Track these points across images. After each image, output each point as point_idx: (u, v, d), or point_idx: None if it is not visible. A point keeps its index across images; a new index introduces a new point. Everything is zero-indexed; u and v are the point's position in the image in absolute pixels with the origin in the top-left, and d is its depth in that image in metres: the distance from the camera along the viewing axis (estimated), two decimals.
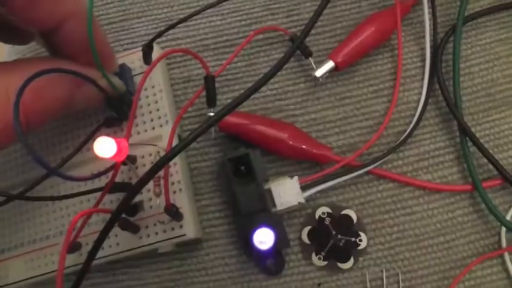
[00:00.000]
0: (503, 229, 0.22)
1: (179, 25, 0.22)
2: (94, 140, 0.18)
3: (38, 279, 0.23)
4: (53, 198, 0.19)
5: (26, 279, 0.23)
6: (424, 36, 0.24)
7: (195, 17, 0.23)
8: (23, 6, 0.18)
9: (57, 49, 0.20)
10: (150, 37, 0.22)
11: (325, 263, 0.23)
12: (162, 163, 0.16)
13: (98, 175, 0.20)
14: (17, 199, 0.18)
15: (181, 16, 0.24)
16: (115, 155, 0.18)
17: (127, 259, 0.23)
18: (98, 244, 0.17)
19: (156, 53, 0.23)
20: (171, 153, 0.16)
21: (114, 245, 0.22)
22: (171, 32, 0.24)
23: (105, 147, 0.18)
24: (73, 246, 0.21)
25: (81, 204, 0.22)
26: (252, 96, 0.18)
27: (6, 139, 0.18)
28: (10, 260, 0.23)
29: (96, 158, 0.18)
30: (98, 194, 0.20)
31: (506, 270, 0.22)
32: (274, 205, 0.21)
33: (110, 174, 0.20)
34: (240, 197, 0.21)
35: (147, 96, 0.23)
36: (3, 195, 0.18)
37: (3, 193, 0.18)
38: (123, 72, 0.22)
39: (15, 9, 0.18)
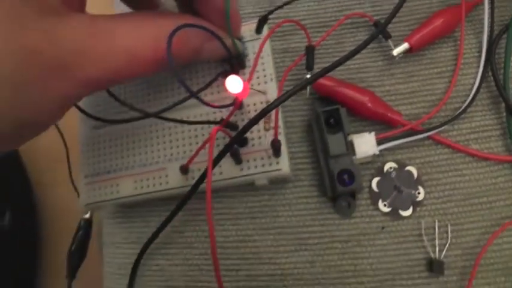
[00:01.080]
0: None
1: (284, 6, 0.28)
2: (212, 85, 0.22)
3: (143, 197, 0.27)
4: (182, 121, 0.24)
5: (134, 195, 0.27)
6: (482, 32, 0.29)
7: (296, 1, 0.28)
8: None
9: (194, 9, 0.25)
10: (256, 15, 0.27)
11: (389, 209, 0.27)
12: (275, 105, 0.21)
13: (224, 106, 0.25)
14: (152, 117, 0.23)
15: (283, 0, 0.29)
16: (241, 93, 0.23)
17: (224, 189, 0.28)
18: (216, 161, 0.22)
19: (264, 26, 0.28)
20: (282, 98, 0.21)
21: (217, 173, 0.26)
22: (275, 12, 0.29)
23: (235, 83, 0.23)
24: (184, 169, 0.26)
25: (190, 139, 0.27)
26: (340, 68, 0.23)
27: (156, 69, 0.23)
28: (122, 178, 0.28)
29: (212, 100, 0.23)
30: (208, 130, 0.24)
31: None
32: (354, 153, 0.26)
33: (230, 109, 0.25)
34: (330, 142, 0.26)
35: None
36: (140, 112, 0.22)
37: (140, 110, 0.22)
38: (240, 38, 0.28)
39: None
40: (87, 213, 0.32)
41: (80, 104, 0.30)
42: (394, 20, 0.29)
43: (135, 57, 0.21)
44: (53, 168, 0.78)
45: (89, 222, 0.33)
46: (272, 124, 0.24)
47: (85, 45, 0.19)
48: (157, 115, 0.23)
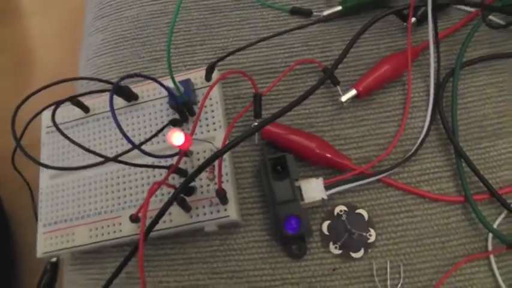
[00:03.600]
0: (490, 235, 0.27)
1: (233, 54, 0.29)
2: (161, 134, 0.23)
3: (98, 245, 0.28)
4: (134, 165, 0.25)
5: (89, 243, 0.28)
6: (429, 76, 0.30)
7: (248, 48, 0.29)
8: None
9: None
10: (209, 61, 0.28)
11: (340, 251, 0.27)
12: (220, 154, 0.22)
13: (168, 156, 0.26)
14: (112, 161, 0.24)
15: (235, 46, 0.31)
16: (183, 144, 0.24)
17: (175, 236, 0.28)
18: (160, 214, 0.23)
19: (214, 74, 0.29)
20: (225, 148, 0.22)
21: (168, 220, 0.27)
22: (227, 58, 0.30)
23: (177, 136, 0.24)
24: (134, 218, 0.27)
25: (142, 187, 0.28)
26: (289, 113, 0.24)
27: None
28: (78, 227, 0.28)
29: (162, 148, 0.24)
30: (159, 177, 0.25)
31: (491, 270, 0.27)
32: (302, 199, 0.27)
33: (174, 159, 0.25)
34: (276, 189, 0.26)
35: (205, 106, 0.29)
36: (101, 157, 0.23)
37: (101, 155, 0.23)
38: (188, 85, 0.29)
39: None
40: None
41: (42, 152, 0.31)
42: (342, 65, 0.30)
43: None
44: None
45: (55, 265, 0.33)
46: (216, 173, 0.25)
47: None
48: (114, 159, 0.24)
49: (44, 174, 0.30)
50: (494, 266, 0.26)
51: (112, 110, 0.23)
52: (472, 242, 0.27)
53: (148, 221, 0.27)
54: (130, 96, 0.30)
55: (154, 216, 0.23)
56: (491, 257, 0.27)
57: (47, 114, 0.32)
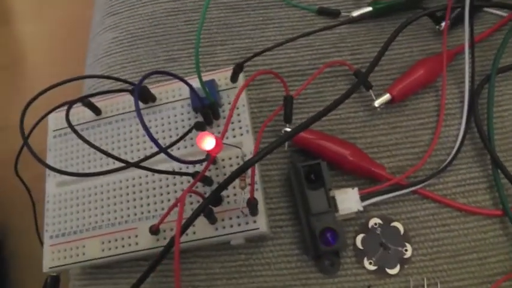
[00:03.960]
0: None
1: (260, 54, 0.27)
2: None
3: (110, 259, 0.25)
4: (158, 171, 0.23)
5: (101, 257, 0.25)
6: (463, 81, 0.28)
7: (274, 49, 0.28)
8: None
9: None
10: (231, 62, 0.26)
11: (375, 267, 0.26)
12: (254, 161, 0.20)
13: (196, 162, 0.24)
14: (133, 166, 0.22)
15: (259, 47, 0.29)
16: (213, 149, 0.22)
17: (197, 249, 0.26)
18: (187, 224, 0.21)
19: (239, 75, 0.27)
20: (259, 155, 0.20)
21: (191, 233, 0.25)
22: (251, 59, 0.28)
23: (208, 140, 0.21)
24: (154, 230, 0.24)
25: (161, 196, 0.26)
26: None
27: None
28: (89, 239, 0.26)
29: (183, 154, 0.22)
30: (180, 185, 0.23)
31: None
32: (337, 210, 0.25)
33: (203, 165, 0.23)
34: (311, 199, 0.24)
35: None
36: (123, 162, 0.21)
37: (123, 160, 0.21)
38: (213, 85, 0.27)
39: None
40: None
41: (48, 158, 0.28)
42: (375, 69, 0.28)
43: None
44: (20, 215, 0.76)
45: (56, 280, 0.30)
46: (248, 181, 0.23)
47: None
48: (137, 164, 0.22)
49: (51, 182, 0.28)
50: None
51: (138, 111, 0.20)
52: (511, 258, 0.26)
53: (169, 234, 0.25)
54: (148, 98, 0.27)
55: (175, 228, 0.21)
56: None
57: (53, 117, 0.29)
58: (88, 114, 0.29)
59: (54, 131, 0.29)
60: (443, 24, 0.29)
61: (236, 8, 0.32)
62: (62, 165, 0.28)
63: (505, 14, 0.31)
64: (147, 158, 0.23)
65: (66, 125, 0.24)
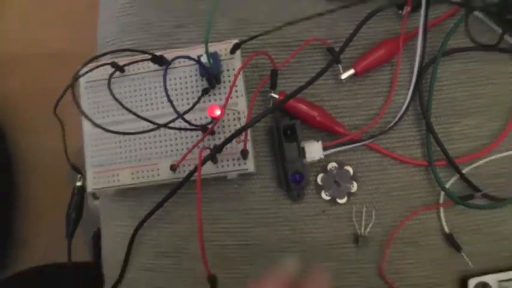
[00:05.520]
0: (442, 193, 0.36)
1: (256, 37, 0.33)
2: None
3: (138, 185, 0.34)
4: (181, 129, 0.31)
5: (131, 184, 0.35)
6: (415, 60, 0.36)
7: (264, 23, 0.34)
8: None
9: None
10: (230, 32, 0.34)
11: (329, 198, 0.35)
12: (247, 127, 0.29)
13: (204, 126, 0.32)
14: (163, 127, 0.30)
15: (253, 18, 0.35)
16: (219, 115, 0.30)
17: (204, 181, 0.35)
18: (201, 164, 0.30)
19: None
20: (252, 122, 0.28)
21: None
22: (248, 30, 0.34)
23: (215, 110, 0.29)
24: (174, 167, 0.33)
25: (176, 140, 0.34)
26: (296, 85, 0.30)
27: None
28: (121, 169, 0.35)
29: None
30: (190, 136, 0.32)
31: (439, 218, 0.35)
32: (304, 157, 0.34)
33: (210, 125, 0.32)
34: (286, 149, 0.33)
35: (229, 76, 0.34)
36: (153, 123, 0.29)
37: (153, 122, 0.29)
38: (216, 57, 0.34)
39: None
40: (79, 181, 0.38)
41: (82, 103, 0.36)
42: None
43: None
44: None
45: (82, 189, 0.38)
46: (242, 138, 0.32)
47: None
48: (165, 125, 0.30)
49: (87, 123, 0.36)
50: (442, 215, 0.35)
51: (165, 84, 0.28)
52: (428, 196, 0.36)
53: (182, 169, 0.34)
54: (163, 62, 0.34)
55: (193, 165, 0.30)
56: (441, 209, 0.35)
57: (85, 71, 0.36)
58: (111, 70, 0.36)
59: (86, 82, 0.36)
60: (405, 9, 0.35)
61: None
62: (94, 111, 0.36)
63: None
64: (170, 121, 0.31)
65: (95, 78, 0.32)
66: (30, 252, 0.86)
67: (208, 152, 0.30)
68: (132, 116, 0.31)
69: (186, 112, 0.31)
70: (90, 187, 0.35)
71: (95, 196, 0.45)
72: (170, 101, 0.28)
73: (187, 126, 0.31)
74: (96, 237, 0.71)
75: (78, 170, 0.37)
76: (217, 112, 0.29)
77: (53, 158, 0.87)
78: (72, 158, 0.36)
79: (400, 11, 0.36)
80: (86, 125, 0.36)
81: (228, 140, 0.29)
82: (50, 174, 0.86)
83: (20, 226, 0.86)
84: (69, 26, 0.89)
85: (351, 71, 0.35)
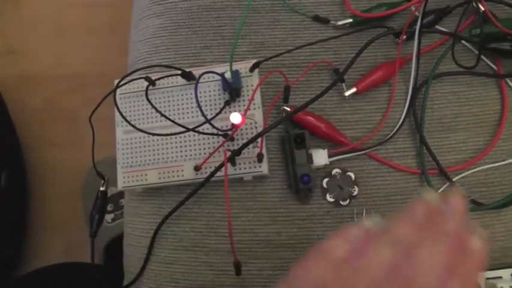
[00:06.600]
0: None
1: (272, 58, 0.39)
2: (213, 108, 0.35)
3: (164, 184, 0.39)
4: (205, 133, 0.36)
5: (158, 183, 0.39)
6: (410, 81, 0.41)
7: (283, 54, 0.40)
8: None
9: None
10: (249, 53, 0.39)
11: (333, 200, 0.40)
12: (263, 133, 0.34)
13: (226, 131, 0.37)
14: (191, 131, 0.35)
15: (270, 42, 0.41)
16: (239, 123, 0.35)
17: (221, 182, 0.40)
18: (220, 166, 0.34)
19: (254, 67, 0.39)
20: (267, 129, 0.33)
21: (218, 172, 0.38)
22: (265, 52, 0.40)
23: (237, 117, 0.34)
24: (198, 168, 0.38)
25: (199, 145, 0.39)
26: (305, 100, 0.35)
27: None
28: (149, 170, 0.39)
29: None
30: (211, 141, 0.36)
31: None
32: (312, 162, 0.39)
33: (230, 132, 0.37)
34: (296, 154, 0.38)
35: (248, 91, 0.39)
36: (182, 127, 0.34)
37: (181, 125, 0.34)
38: (237, 74, 0.39)
39: None
40: (102, 186, 0.42)
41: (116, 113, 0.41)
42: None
43: None
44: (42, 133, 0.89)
45: (105, 193, 0.42)
46: (258, 143, 0.36)
47: None
48: (193, 129, 0.35)
49: (119, 130, 0.41)
50: None
51: (196, 95, 0.33)
52: None
53: (205, 170, 0.38)
54: (190, 78, 0.40)
55: (213, 167, 0.35)
56: None
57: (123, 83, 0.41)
58: (145, 84, 0.41)
59: (120, 94, 0.42)
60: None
61: (253, 10, 0.43)
62: (127, 119, 0.41)
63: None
64: (198, 126, 0.35)
65: (128, 90, 0.38)
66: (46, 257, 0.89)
67: (229, 154, 0.35)
68: (161, 123, 0.36)
69: (212, 118, 0.36)
70: (120, 185, 0.39)
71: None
72: (200, 108, 0.33)
73: (212, 131, 0.36)
74: (109, 247, 0.75)
75: (102, 176, 0.42)
76: (239, 118, 0.34)
77: (68, 174, 0.92)
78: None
79: (397, 39, 0.42)
80: (119, 132, 0.41)
81: (247, 144, 0.34)
82: (65, 188, 0.90)
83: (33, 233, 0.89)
84: (90, 51, 0.96)
85: (353, 89, 0.40)
